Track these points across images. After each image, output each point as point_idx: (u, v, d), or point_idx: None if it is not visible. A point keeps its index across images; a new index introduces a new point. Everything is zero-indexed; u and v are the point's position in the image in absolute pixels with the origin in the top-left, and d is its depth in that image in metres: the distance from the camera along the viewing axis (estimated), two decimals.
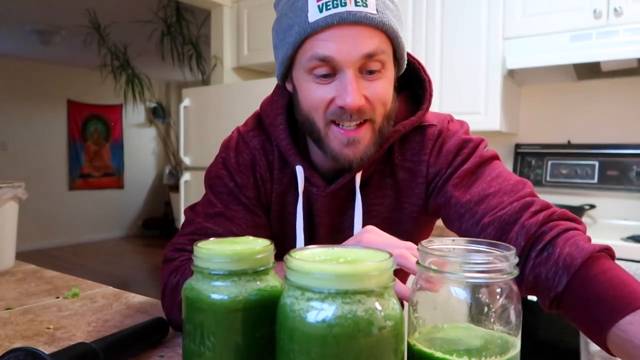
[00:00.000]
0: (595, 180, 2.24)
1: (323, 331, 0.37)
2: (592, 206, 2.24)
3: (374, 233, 0.67)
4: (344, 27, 0.66)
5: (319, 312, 0.38)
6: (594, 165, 2.26)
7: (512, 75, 2.32)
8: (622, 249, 1.69)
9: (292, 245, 0.83)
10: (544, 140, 2.45)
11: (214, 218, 0.81)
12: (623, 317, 0.54)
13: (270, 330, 0.43)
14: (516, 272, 0.44)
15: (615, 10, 1.92)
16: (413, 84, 0.85)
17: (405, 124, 0.79)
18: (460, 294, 0.44)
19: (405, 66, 0.78)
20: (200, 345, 0.45)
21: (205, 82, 3.72)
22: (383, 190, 0.83)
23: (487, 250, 0.47)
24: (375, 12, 0.67)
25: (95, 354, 0.58)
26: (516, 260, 0.44)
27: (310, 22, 0.67)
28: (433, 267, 0.44)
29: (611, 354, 0.57)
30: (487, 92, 2.24)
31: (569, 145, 2.36)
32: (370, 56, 0.68)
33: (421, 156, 0.81)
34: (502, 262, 0.43)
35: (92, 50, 4.58)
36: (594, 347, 1.65)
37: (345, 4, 0.66)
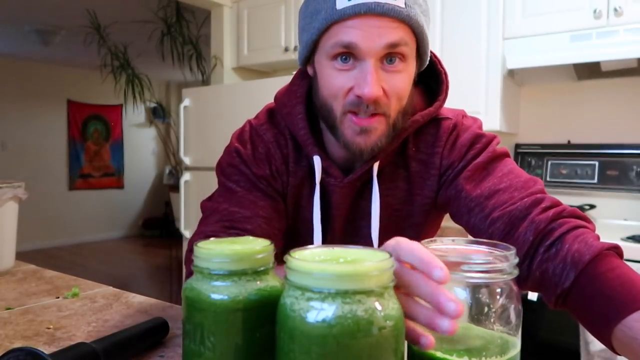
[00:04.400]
0: (595, 180, 2.24)
1: (323, 331, 0.37)
2: (592, 206, 2.24)
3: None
4: (370, 16, 0.67)
5: (319, 312, 0.37)
6: (594, 165, 2.26)
7: (512, 75, 2.32)
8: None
9: (305, 238, 0.83)
10: (544, 140, 2.44)
11: (238, 202, 0.80)
12: (629, 314, 0.54)
13: (270, 330, 0.43)
14: (516, 272, 0.44)
15: (615, 10, 1.92)
16: (427, 78, 0.85)
17: (424, 114, 0.79)
18: (460, 294, 0.44)
19: (427, 62, 0.78)
20: (200, 345, 0.45)
21: (205, 82, 3.72)
22: (395, 182, 0.83)
23: (487, 250, 0.48)
24: (403, 6, 0.67)
25: (95, 354, 0.58)
26: (516, 260, 0.44)
27: (337, 9, 0.68)
28: None
29: (615, 352, 0.57)
30: (487, 92, 2.24)
31: (569, 145, 2.36)
32: (393, 46, 0.68)
33: (435, 148, 0.81)
34: (502, 262, 0.43)
35: (92, 50, 4.57)
36: (594, 348, 1.65)
37: None
